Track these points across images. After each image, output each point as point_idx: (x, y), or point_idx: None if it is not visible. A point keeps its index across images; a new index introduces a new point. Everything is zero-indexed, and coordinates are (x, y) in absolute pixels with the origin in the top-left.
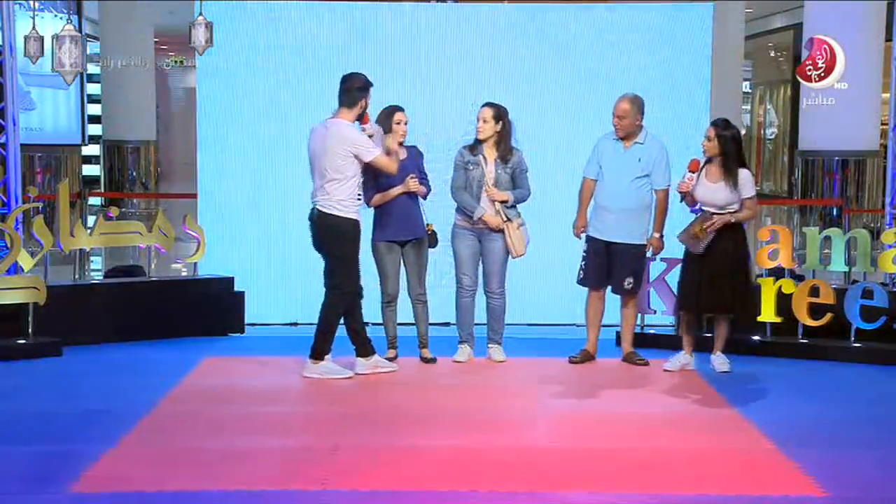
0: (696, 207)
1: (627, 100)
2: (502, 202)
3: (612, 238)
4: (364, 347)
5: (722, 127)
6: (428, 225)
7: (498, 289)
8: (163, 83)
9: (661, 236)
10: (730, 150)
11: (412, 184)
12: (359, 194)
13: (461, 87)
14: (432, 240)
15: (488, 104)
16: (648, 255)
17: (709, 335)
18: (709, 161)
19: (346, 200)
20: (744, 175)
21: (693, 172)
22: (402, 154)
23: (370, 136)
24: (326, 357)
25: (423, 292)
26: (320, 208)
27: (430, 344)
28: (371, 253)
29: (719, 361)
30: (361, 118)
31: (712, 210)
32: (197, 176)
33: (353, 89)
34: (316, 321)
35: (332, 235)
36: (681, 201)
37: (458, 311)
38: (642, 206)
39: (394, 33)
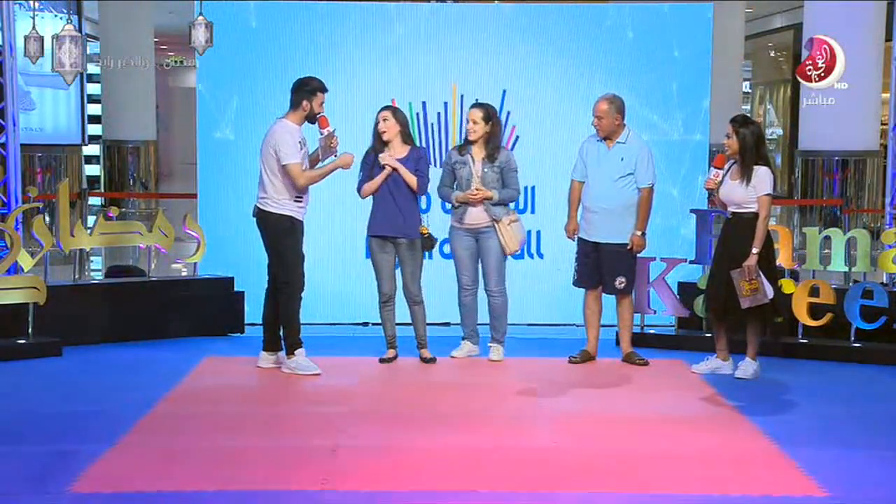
0: (727, 211)
1: (606, 100)
2: (488, 200)
3: (599, 239)
4: (273, 343)
5: (739, 123)
6: (422, 227)
7: (496, 287)
8: (163, 83)
9: (643, 234)
10: (747, 146)
11: (332, 142)
12: (298, 195)
13: (461, 87)
14: (427, 242)
15: (476, 105)
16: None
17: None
18: (735, 159)
19: (281, 197)
20: (760, 172)
21: (719, 169)
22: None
23: (329, 140)
24: (298, 352)
25: (417, 293)
26: (258, 205)
27: (430, 344)
28: (366, 250)
29: (742, 367)
30: (313, 120)
31: (732, 209)
32: (197, 176)
33: (298, 91)
34: (313, 320)
35: (268, 232)
36: (708, 202)
37: (461, 310)
38: (628, 206)
39: (395, 33)
